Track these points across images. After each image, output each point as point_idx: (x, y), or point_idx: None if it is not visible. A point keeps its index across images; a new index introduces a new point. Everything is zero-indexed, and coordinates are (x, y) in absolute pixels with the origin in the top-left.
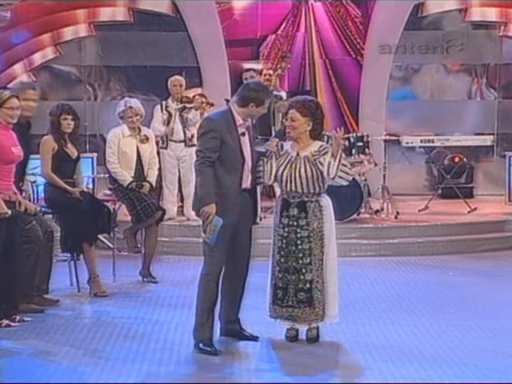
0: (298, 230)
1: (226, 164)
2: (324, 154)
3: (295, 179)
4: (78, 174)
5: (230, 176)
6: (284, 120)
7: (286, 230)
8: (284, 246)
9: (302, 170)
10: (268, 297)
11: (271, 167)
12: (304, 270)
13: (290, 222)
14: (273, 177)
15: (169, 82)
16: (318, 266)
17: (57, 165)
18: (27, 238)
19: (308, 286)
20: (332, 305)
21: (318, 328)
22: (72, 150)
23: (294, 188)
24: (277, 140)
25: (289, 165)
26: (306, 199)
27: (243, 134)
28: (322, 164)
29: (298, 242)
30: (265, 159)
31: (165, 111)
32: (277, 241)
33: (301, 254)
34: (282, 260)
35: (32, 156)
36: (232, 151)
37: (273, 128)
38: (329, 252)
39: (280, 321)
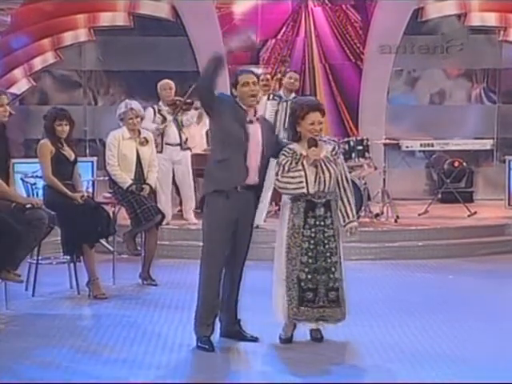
0: (326, 230)
1: (226, 145)
2: (339, 156)
3: (324, 180)
4: (76, 177)
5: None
6: (307, 123)
7: (313, 230)
8: (312, 246)
9: (330, 170)
10: (284, 301)
11: (310, 175)
12: (333, 269)
13: (317, 222)
14: (316, 185)
15: (158, 86)
16: (340, 264)
17: (55, 167)
18: (32, 220)
19: (337, 284)
20: (347, 303)
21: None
22: (69, 153)
23: (321, 188)
24: (315, 149)
25: (313, 167)
26: (329, 198)
27: (251, 121)
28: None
29: (326, 242)
30: (306, 168)
31: (158, 115)
32: (302, 242)
33: (328, 253)
34: (311, 261)
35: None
36: (232, 130)
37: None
38: (342, 250)
39: (307, 323)
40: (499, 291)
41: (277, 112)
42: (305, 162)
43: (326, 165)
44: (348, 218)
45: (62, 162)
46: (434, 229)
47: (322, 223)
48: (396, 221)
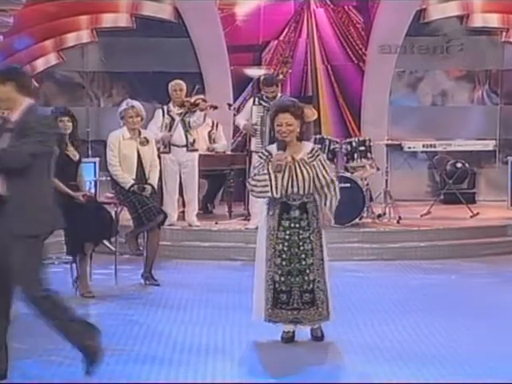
0: (301, 232)
1: None
2: (317, 157)
3: (297, 182)
4: (80, 177)
5: None
6: (276, 125)
7: (288, 232)
8: (286, 248)
9: (304, 172)
10: (262, 301)
11: (276, 179)
12: (308, 271)
13: (292, 224)
14: (282, 190)
15: (169, 86)
16: (318, 266)
17: (59, 168)
18: None
19: (311, 286)
20: (332, 303)
21: (320, 326)
22: (73, 153)
23: (295, 191)
24: (282, 152)
25: (287, 169)
26: (306, 200)
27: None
28: (315, 167)
29: (300, 244)
30: (270, 172)
31: (167, 115)
32: (276, 244)
33: (303, 255)
34: (284, 263)
35: None
36: None
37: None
38: (325, 251)
39: (282, 324)
40: (502, 292)
41: (262, 118)
42: (270, 167)
43: (300, 167)
44: (327, 207)
45: (65, 163)
46: (437, 229)
47: (297, 225)
48: (398, 221)
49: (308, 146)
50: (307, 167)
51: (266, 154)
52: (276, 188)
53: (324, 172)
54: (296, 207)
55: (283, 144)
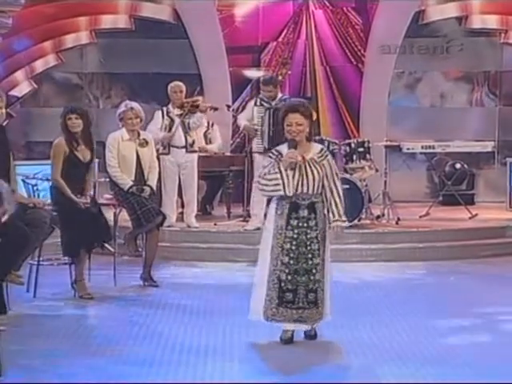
0: (308, 231)
1: None
2: (326, 157)
3: (307, 182)
4: (88, 180)
5: None
6: (285, 125)
7: (296, 231)
8: (294, 247)
9: (314, 172)
10: (262, 301)
11: (288, 177)
12: (314, 271)
13: (300, 224)
14: (294, 188)
15: (168, 88)
16: (322, 266)
17: (66, 170)
18: (34, 220)
19: (316, 286)
20: (329, 303)
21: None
22: (84, 153)
23: (304, 190)
24: (294, 150)
25: (297, 169)
26: (314, 200)
27: None
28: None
29: (308, 243)
30: (282, 170)
31: (166, 117)
32: (284, 243)
33: (310, 255)
34: (292, 262)
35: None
36: None
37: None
38: (328, 252)
39: (285, 324)
40: (500, 292)
41: (263, 118)
42: (281, 165)
43: (310, 167)
44: (336, 216)
45: (74, 165)
46: (435, 231)
47: (305, 224)
48: (397, 223)
49: (317, 146)
50: (317, 167)
51: (276, 153)
52: (288, 186)
53: (336, 175)
54: (305, 206)
55: (294, 143)
